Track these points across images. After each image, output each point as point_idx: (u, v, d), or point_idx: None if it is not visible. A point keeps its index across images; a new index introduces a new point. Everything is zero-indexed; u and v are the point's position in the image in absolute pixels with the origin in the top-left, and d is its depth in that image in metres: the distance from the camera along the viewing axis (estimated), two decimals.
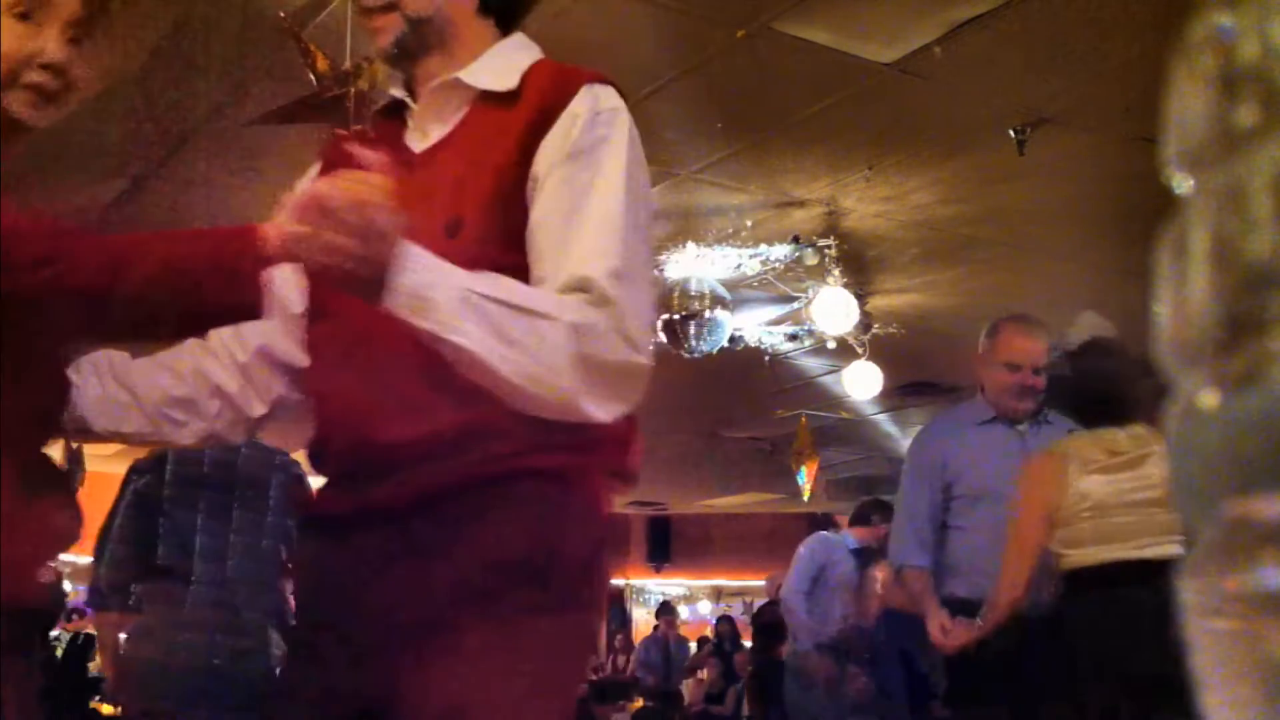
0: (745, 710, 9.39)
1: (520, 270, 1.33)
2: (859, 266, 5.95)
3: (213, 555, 3.53)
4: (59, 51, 1.37)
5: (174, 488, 3.58)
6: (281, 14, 3.50)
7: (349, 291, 1.23)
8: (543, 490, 1.36)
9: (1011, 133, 4.46)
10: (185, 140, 4.59)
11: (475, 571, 1.32)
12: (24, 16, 1.36)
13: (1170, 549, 2.78)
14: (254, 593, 3.57)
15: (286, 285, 1.50)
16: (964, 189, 5.09)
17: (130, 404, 1.51)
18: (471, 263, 1.28)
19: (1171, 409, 0.39)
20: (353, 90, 3.32)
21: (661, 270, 5.70)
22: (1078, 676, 2.90)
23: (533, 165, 1.36)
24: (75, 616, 11.64)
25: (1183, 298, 0.38)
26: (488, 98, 1.44)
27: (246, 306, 1.33)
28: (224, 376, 1.56)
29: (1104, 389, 2.94)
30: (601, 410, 1.28)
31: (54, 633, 11.75)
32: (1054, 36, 3.85)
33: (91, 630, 12.17)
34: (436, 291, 1.21)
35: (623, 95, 1.43)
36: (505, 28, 1.51)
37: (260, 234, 1.23)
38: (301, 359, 1.56)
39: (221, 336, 1.56)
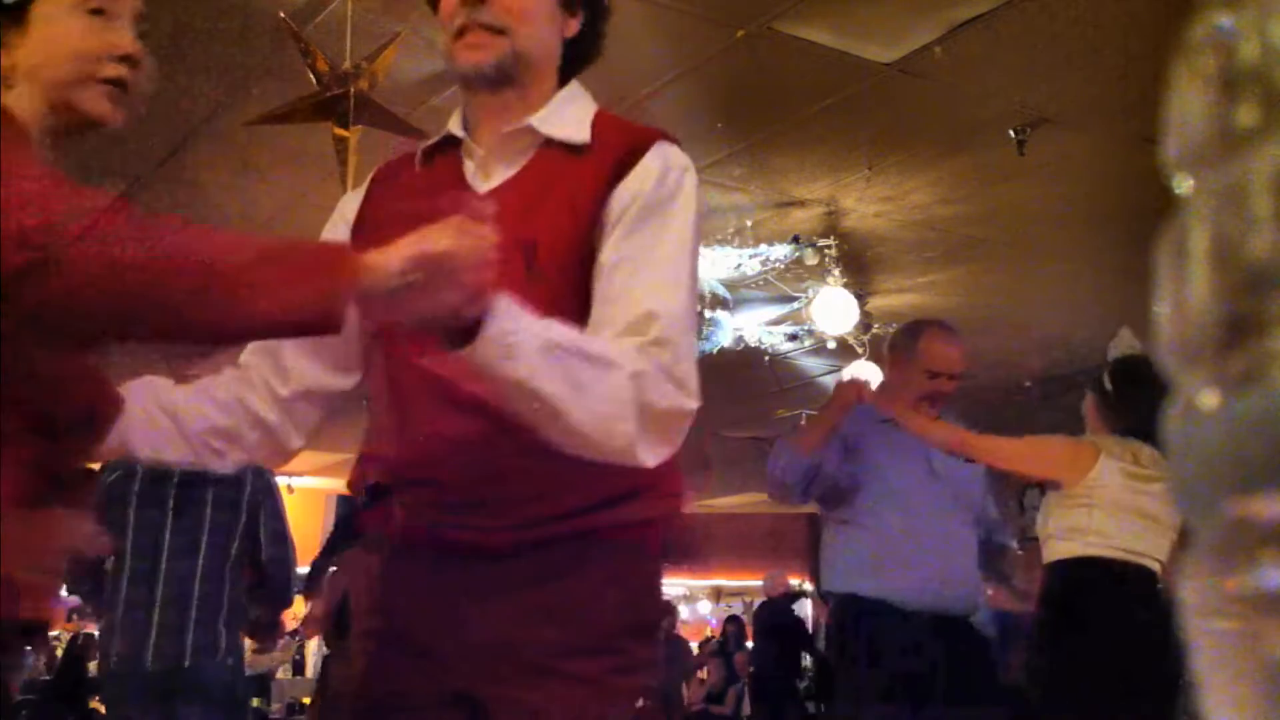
0: (745, 710, 9.39)
1: (586, 309, 1.39)
2: (859, 266, 5.95)
3: (180, 553, 3.54)
4: (134, 44, 1.35)
5: (145, 484, 3.58)
6: (281, 14, 3.50)
7: (431, 334, 1.24)
8: (643, 545, 1.48)
9: (1011, 133, 4.46)
10: (185, 140, 4.59)
11: (580, 621, 1.42)
12: (97, 12, 1.35)
13: (1157, 567, 2.97)
14: (222, 593, 3.57)
15: None
16: (964, 189, 5.09)
17: (173, 431, 1.50)
18: (547, 300, 1.33)
19: (1171, 409, 0.39)
20: (352, 90, 3.32)
21: None
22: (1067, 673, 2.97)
23: (605, 212, 1.41)
24: (75, 616, 11.63)
25: (1183, 298, 0.38)
26: (556, 145, 1.48)
27: (319, 329, 1.29)
28: (263, 407, 1.55)
29: (1138, 403, 3.05)
30: (652, 455, 1.33)
31: (53, 633, 11.76)
32: (1054, 36, 3.84)
33: (92, 630, 12.18)
34: (522, 338, 1.23)
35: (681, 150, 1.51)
36: (565, 79, 1.56)
37: (363, 268, 1.19)
38: (343, 383, 1.59)
39: (260, 369, 1.56)
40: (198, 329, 1.22)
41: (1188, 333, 0.38)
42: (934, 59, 3.95)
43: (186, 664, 3.42)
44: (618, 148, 1.45)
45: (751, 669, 9.42)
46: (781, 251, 5.67)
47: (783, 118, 4.48)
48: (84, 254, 1.13)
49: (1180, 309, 0.38)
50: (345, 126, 3.34)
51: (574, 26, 1.53)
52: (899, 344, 3.40)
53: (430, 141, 1.58)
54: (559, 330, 1.29)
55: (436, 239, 1.17)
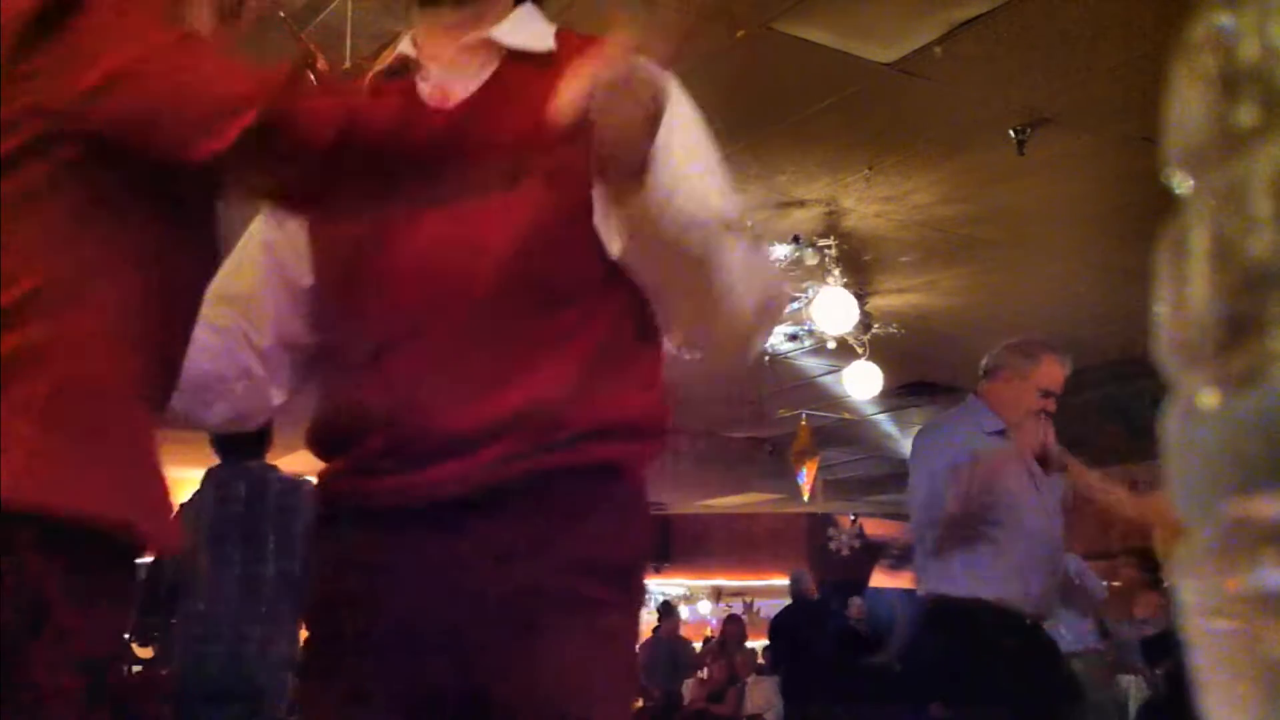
0: (745, 710, 9.39)
1: (575, 218, 1.32)
2: (859, 266, 5.95)
3: (258, 560, 3.75)
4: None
5: (218, 495, 3.73)
6: (281, 14, 3.50)
7: (608, 175, 1.18)
8: (610, 481, 1.37)
9: (1011, 133, 4.46)
10: None
11: (555, 563, 1.32)
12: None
13: None
14: (296, 600, 3.74)
15: (293, 257, 1.47)
16: (964, 189, 5.09)
17: None
18: (533, 213, 1.29)
19: (1171, 409, 0.39)
20: None
21: None
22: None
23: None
24: None
25: (1183, 298, 0.38)
26: (519, 58, 1.42)
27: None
28: (250, 358, 1.50)
29: None
30: (757, 347, 1.30)
31: None
32: (1054, 36, 3.85)
33: None
34: (675, 178, 1.19)
35: None
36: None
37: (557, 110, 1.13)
38: (308, 338, 1.51)
39: (237, 321, 1.50)
40: (435, 178, 1.23)
41: (1188, 333, 0.38)
42: (934, 59, 3.95)
43: (267, 670, 3.63)
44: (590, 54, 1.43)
45: (785, 670, 9.35)
46: (781, 251, 5.67)
47: (783, 118, 4.48)
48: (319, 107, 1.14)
49: (1180, 309, 0.38)
50: None
51: None
52: (1015, 362, 3.61)
53: (378, 68, 1.50)
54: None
55: (616, 59, 1.10)
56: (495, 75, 1.42)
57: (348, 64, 3.37)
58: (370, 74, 1.51)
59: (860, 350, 6.63)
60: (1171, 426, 0.39)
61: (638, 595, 1.43)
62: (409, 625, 1.35)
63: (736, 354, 1.33)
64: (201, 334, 1.43)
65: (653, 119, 1.12)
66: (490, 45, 1.43)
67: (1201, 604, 0.36)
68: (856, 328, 6.18)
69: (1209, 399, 0.36)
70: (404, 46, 1.49)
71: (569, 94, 1.11)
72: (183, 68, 1.15)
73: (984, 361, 3.71)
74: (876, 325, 6.62)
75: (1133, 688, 6.15)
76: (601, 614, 1.34)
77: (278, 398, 1.53)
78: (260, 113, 1.10)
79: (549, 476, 1.32)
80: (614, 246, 1.31)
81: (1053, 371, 3.59)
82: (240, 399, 1.50)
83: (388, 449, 1.36)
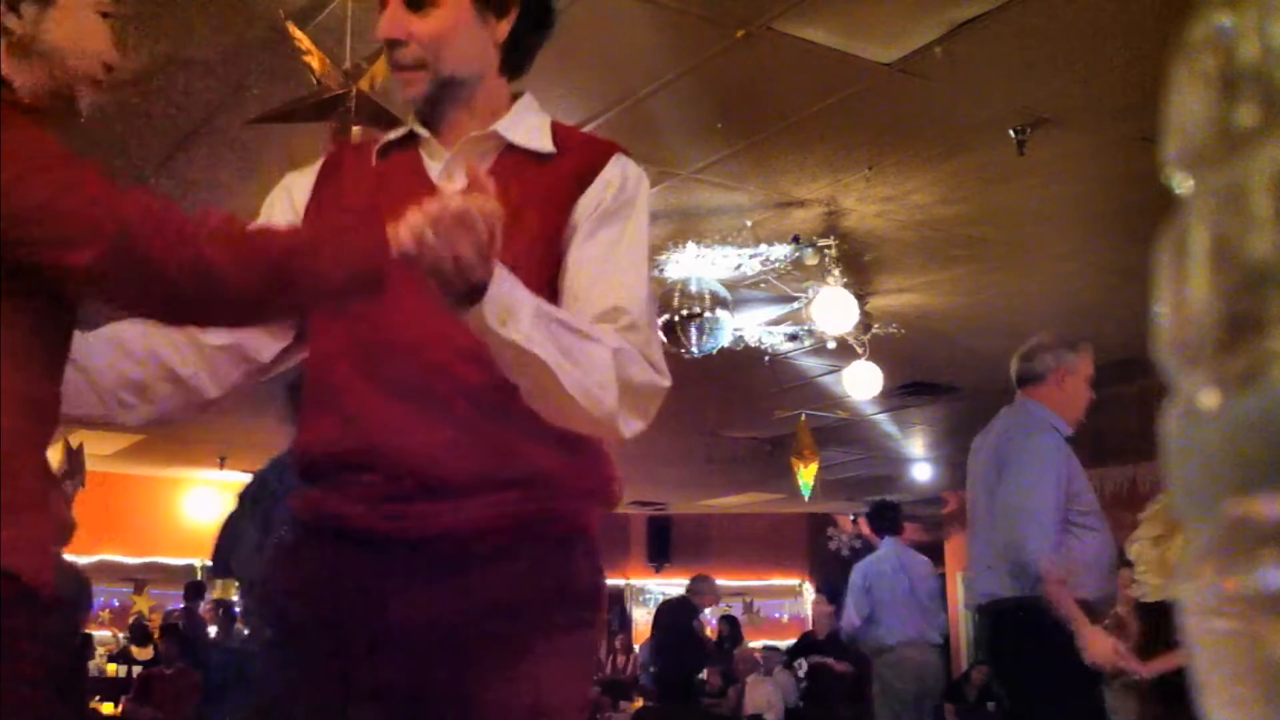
0: (745, 710, 9.39)
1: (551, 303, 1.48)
2: (859, 266, 5.95)
3: None
4: (118, 53, 1.48)
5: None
6: (281, 13, 3.50)
7: (444, 294, 1.32)
8: (580, 535, 1.55)
9: (1011, 133, 4.45)
10: (185, 140, 4.59)
11: (537, 593, 1.49)
12: (106, 16, 1.47)
13: None
14: None
15: None
16: (964, 189, 5.08)
17: (85, 386, 1.52)
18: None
19: (1171, 409, 0.39)
20: (353, 90, 3.32)
21: (662, 270, 5.70)
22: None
23: (571, 217, 1.54)
24: None
25: (1183, 298, 0.38)
26: (517, 151, 1.58)
27: (372, 281, 1.36)
28: (176, 359, 1.58)
29: None
30: (628, 428, 1.44)
31: None
32: (1054, 36, 3.84)
33: (90, 630, 12.19)
34: (520, 305, 1.35)
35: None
36: (517, 68, 1.65)
37: (388, 235, 1.30)
38: (269, 349, 1.63)
39: None
40: (274, 309, 1.39)
41: (1188, 333, 0.38)
42: (934, 59, 3.95)
43: None
44: (580, 158, 1.58)
45: (654, 669, 9.44)
46: (781, 251, 5.67)
47: (783, 118, 4.48)
48: (166, 244, 1.25)
49: (1180, 309, 0.38)
50: (346, 127, 3.34)
51: (504, 29, 1.58)
52: (1064, 360, 3.55)
53: (391, 137, 1.65)
54: (548, 304, 1.41)
55: (451, 200, 1.27)
56: (494, 167, 1.56)
57: (348, 64, 3.37)
58: (380, 143, 1.66)
59: (860, 350, 6.63)
60: (1171, 426, 0.39)
61: (602, 615, 1.60)
62: (399, 634, 1.47)
63: (602, 434, 1.50)
64: (124, 338, 1.57)
65: (480, 258, 1.28)
66: (495, 136, 1.59)
67: (1201, 604, 0.36)
68: (856, 328, 6.18)
69: (1209, 399, 0.36)
70: (414, 122, 1.63)
71: (408, 225, 1.28)
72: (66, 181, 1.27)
73: (1027, 366, 3.53)
74: (876, 325, 6.61)
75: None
76: (576, 632, 1.52)
77: (212, 393, 1.63)
78: (109, 251, 1.23)
79: (533, 530, 1.49)
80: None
81: (1091, 359, 3.58)
82: (165, 400, 1.60)
83: (388, 489, 1.49)
